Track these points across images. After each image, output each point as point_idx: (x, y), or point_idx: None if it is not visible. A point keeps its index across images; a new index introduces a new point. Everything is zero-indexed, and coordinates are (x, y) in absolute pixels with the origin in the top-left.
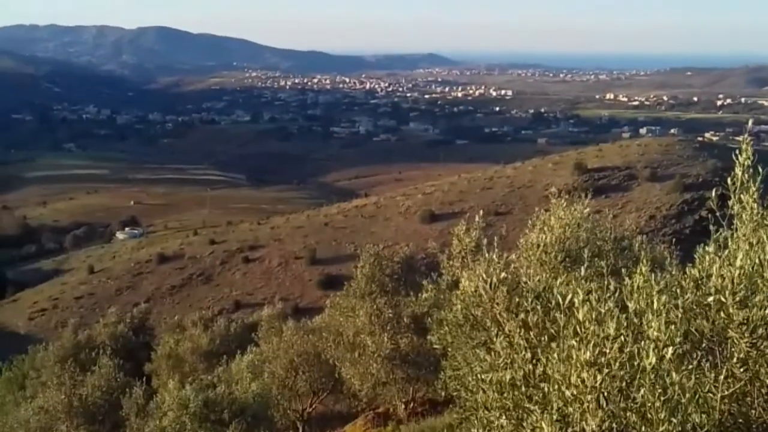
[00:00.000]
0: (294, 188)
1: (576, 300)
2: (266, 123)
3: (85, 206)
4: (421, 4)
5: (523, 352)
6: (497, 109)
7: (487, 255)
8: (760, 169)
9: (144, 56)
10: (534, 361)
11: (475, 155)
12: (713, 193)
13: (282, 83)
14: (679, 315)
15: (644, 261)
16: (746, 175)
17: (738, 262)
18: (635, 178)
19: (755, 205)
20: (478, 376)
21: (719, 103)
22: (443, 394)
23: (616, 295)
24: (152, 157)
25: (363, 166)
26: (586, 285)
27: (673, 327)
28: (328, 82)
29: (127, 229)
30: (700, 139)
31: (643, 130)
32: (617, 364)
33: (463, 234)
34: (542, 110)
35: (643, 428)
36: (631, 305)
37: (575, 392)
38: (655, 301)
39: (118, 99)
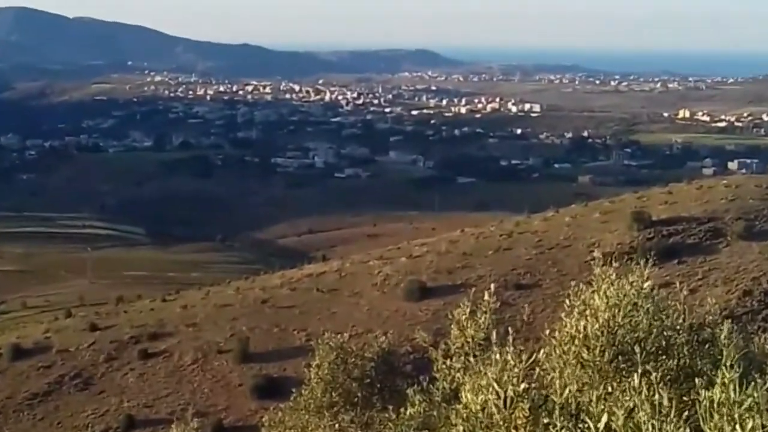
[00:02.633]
0: (217, 248)
1: (614, 423)
2: (176, 151)
3: None
4: None
5: None
6: (519, 131)
7: (501, 352)
8: None
9: None
10: None
11: (487, 200)
12: None
13: (200, 92)
14: None
15: (730, 361)
16: None
17: None
18: (722, 236)
19: None
20: None
21: None
22: None
23: (686, 413)
24: (4, 199)
25: (320, 215)
26: (635, 397)
27: None
28: (268, 90)
29: None
30: None
31: (733, 164)
32: None
33: (467, 319)
34: (585, 134)
35: None
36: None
37: None
38: (742, 426)
39: None
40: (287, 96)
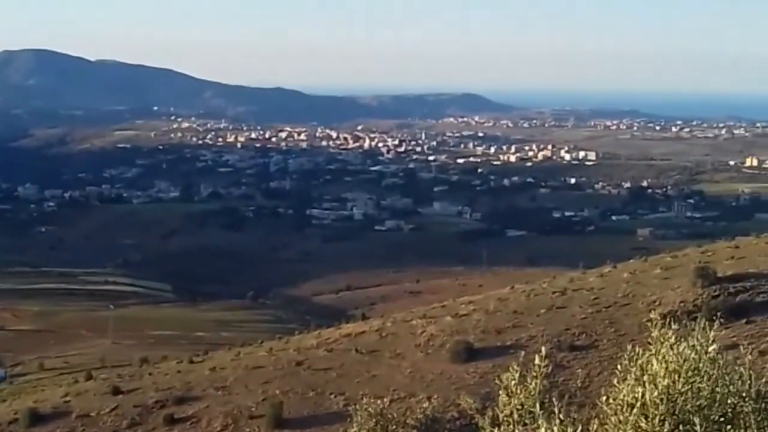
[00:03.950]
0: (248, 305)
1: None
2: (205, 201)
3: None
4: (449, 20)
5: None
6: (572, 181)
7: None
8: None
9: (12, 95)
10: None
11: (538, 254)
12: None
13: (230, 139)
14: None
15: None
16: None
17: None
18: None
19: None
20: None
21: None
22: None
23: None
24: (22, 254)
25: (358, 270)
26: None
27: None
28: (303, 137)
29: None
30: None
31: None
32: None
33: (517, 384)
34: (644, 183)
35: None
36: None
37: None
38: None
39: None
40: (324, 143)
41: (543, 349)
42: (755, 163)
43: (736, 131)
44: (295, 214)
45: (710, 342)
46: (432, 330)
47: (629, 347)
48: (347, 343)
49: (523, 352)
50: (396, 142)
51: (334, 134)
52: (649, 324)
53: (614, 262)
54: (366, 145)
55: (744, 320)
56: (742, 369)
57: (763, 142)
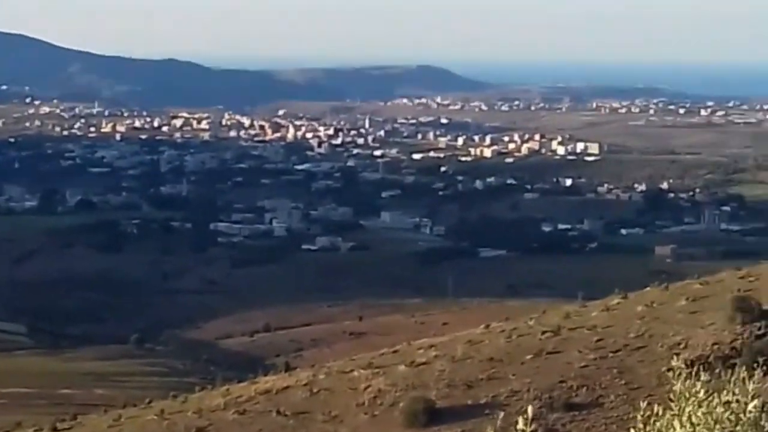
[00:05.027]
0: (132, 352)
1: None
2: (72, 213)
3: None
4: None
5: None
6: (568, 182)
7: None
8: None
9: None
10: None
11: (523, 281)
12: None
13: (107, 128)
14: None
15: None
16: None
17: None
18: None
19: None
20: None
21: None
22: None
23: None
24: None
25: (281, 304)
26: None
27: None
28: (205, 125)
29: None
30: None
31: None
32: None
33: None
34: (664, 185)
35: None
36: None
37: None
38: None
39: None
40: (232, 133)
41: (529, 409)
42: None
43: None
44: (194, 230)
45: (752, 397)
46: (380, 384)
47: (644, 405)
48: (266, 402)
49: (501, 413)
50: (330, 131)
51: (246, 122)
52: (670, 374)
53: (625, 291)
54: (290, 135)
55: None
56: None
57: None
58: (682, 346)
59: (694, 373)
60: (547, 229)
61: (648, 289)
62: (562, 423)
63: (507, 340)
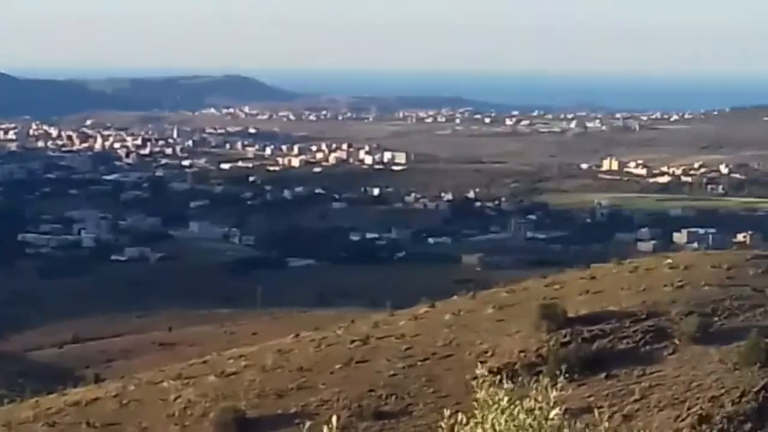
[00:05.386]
0: None
1: None
2: None
3: None
4: None
5: None
6: (376, 192)
7: None
8: None
9: None
10: None
11: (332, 291)
12: None
13: None
14: None
15: None
16: None
17: None
18: (667, 338)
19: None
20: None
21: None
22: None
23: None
24: None
25: (89, 315)
26: None
27: None
28: (12, 136)
29: None
30: None
31: (680, 236)
32: None
33: None
34: (470, 194)
35: None
36: None
37: None
38: None
39: None
40: (40, 144)
41: (334, 418)
42: (615, 166)
43: (589, 124)
44: (1, 241)
45: (553, 405)
46: (190, 395)
47: (448, 413)
48: (75, 414)
49: (310, 423)
50: (138, 141)
51: (54, 132)
52: (474, 383)
53: (432, 300)
54: (98, 145)
55: (603, 374)
56: None
57: (626, 138)
58: (489, 354)
59: (497, 382)
60: (355, 238)
61: (455, 297)
62: None
63: (316, 349)
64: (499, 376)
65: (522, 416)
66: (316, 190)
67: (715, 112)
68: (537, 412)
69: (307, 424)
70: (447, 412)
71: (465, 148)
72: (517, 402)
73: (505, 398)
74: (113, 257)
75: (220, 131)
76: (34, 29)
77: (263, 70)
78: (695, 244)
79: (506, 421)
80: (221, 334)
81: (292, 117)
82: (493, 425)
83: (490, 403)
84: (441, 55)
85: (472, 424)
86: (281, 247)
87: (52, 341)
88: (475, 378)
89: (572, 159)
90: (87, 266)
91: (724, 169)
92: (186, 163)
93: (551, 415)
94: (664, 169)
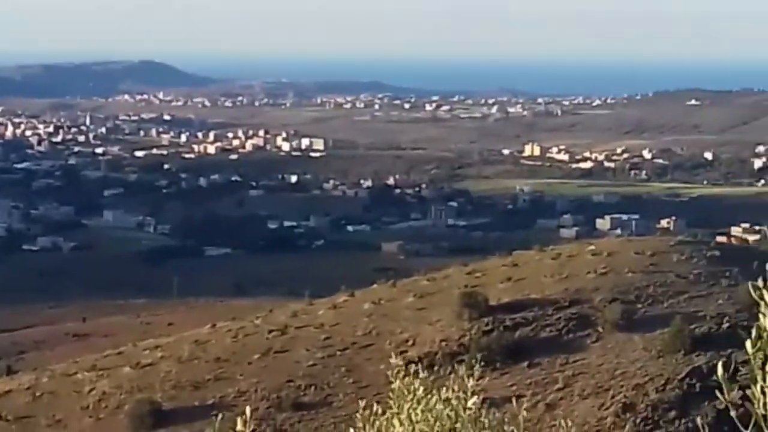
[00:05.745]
0: None
1: None
2: None
3: None
4: None
5: None
6: (294, 179)
7: None
8: None
9: None
10: None
11: (249, 280)
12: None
13: None
14: None
15: None
16: None
17: None
18: (591, 325)
19: None
20: None
21: (759, 163)
22: None
23: None
24: None
25: (1, 306)
26: None
27: None
28: None
29: None
30: (721, 239)
31: (603, 222)
32: None
33: None
34: (390, 181)
35: None
36: None
37: None
38: None
39: None
40: None
41: (247, 409)
42: (537, 151)
43: (511, 109)
44: None
45: (471, 393)
46: (105, 386)
47: (363, 404)
48: None
49: (221, 416)
50: (50, 129)
51: None
52: (390, 373)
53: (352, 289)
54: (8, 133)
55: (525, 363)
56: (514, 430)
57: (547, 123)
58: (410, 343)
59: (414, 372)
60: (273, 226)
61: (375, 286)
62: (291, 423)
63: (234, 339)
64: (417, 366)
65: (439, 406)
66: (233, 178)
67: (638, 97)
68: (454, 401)
69: (220, 416)
70: (362, 404)
71: (384, 134)
72: (434, 392)
73: (421, 388)
74: (25, 247)
75: (134, 118)
76: None
77: (178, 55)
78: (618, 231)
79: (422, 411)
80: (136, 324)
81: (207, 103)
82: (409, 416)
83: (406, 393)
84: (359, 40)
85: (388, 414)
86: (197, 235)
87: None
88: (391, 368)
89: (494, 145)
90: None
91: (647, 155)
92: (99, 150)
93: (469, 404)
94: (587, 154)
